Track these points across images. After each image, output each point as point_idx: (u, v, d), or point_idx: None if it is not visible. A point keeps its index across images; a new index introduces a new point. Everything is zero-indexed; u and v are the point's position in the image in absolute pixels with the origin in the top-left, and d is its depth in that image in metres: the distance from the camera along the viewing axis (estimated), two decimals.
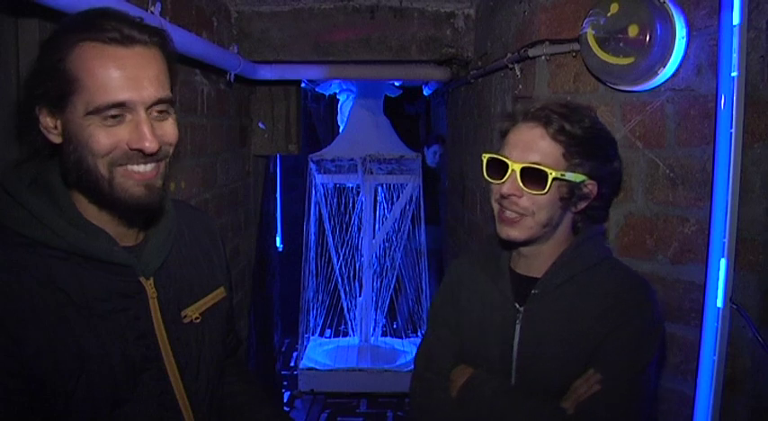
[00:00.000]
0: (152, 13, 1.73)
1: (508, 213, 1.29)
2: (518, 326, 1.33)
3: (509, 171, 1.26)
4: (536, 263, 1.35)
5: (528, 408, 1.26)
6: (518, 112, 1.32)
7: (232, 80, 2.60)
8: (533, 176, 1.25)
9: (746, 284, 1.40)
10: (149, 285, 1.05)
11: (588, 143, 1.28)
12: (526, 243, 1.32)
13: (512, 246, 1.36)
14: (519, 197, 1.27)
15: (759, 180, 1.37)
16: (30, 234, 0.95)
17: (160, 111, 0.97)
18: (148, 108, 0.95)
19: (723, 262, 1.39)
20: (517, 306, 1.34)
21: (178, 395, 1.07)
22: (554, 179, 1.24)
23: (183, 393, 1.07)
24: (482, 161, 1.32)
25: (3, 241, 0.95)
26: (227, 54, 2.49)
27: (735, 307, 1.39)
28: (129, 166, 0.96)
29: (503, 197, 1.28)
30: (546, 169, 1.24)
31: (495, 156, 1.29)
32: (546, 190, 1.25)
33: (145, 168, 0.97)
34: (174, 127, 1.00)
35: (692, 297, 1.53)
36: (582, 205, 1.32)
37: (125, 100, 0.92)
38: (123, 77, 0.92)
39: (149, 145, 0.94)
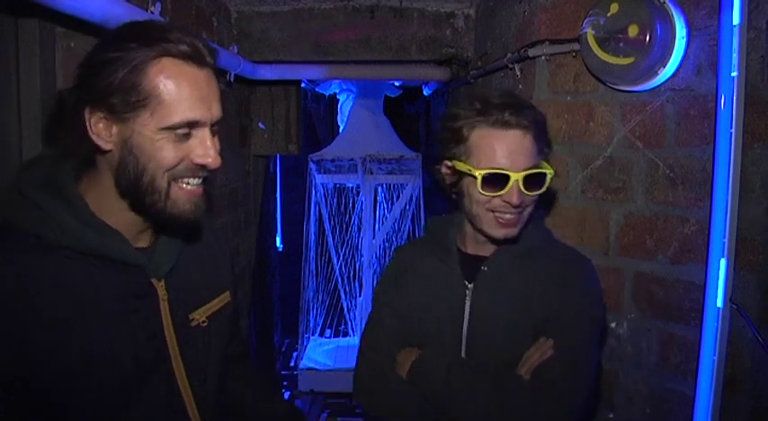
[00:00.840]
0: (152, 13, 1.73)
1: (508, 216, 1.31)
2: (468, 302, 1.38)
3: (510, 182, 1.27)
4: (486, 243, 1.40)
5: (484, 379, 1.30)
6: (489, 117, 1.29)
7: (232, 80, 2.60)
8: (533, 180, 1.29)
9: (746, 284, 1.40)
10: (161, 287, 1.06)
11: (546, 131, 1.35)
12: (518, 239, 1.37)
13: (499, 242, 1.38)
14: (522, 202, 1.30)
15: (759, 180, 1.37)
16: (44, 235, 0.95)
17: (214, 128, 1.01)
18: (212, 126, 0.99)
19: (723, 262, 1.39)
20: (467, 283, 1.39)
21: (185, 397, 1.07)
22: (551, 178, 1.31)
23: (190, 395, 1.08)
24: (476, 178, 1.29)
25: (18, 243, 0.95)
26: (227, 54, 2.49)
27: (735, 307, 1.39)
28: (185, 180, 0.99)
29: (512, 206, 1.28)
30: (545, 171, 1.30)
31: (493, 170, 1.28)
32: (545, 188, 1.31)
33: (197, 182, 1.00)
34: (218, 143, 1.03)
35: (692, 297, 1.53)
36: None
37: (199, 119, 0.96)
38: (198, 97, 0.96)
39: (213, 161, 0.98)
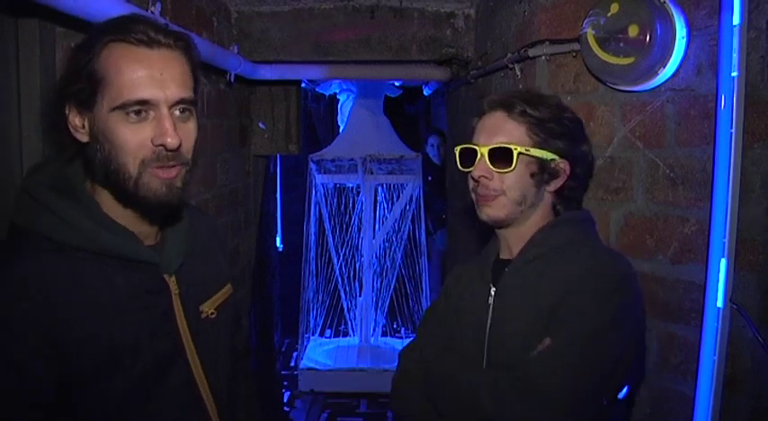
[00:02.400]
0: (152, 12, 1.73)
1: (479, 191, 1.34)
2: (490, 306, 1.37)
3: (478, 155, 1.32)
4: (515, 245, 1.38)
5: (470, 376, 1.29)
6: (484, 105, 1.38)
7: (232, 80, 2.60)
8: (500, 156, 1.31)
9: (746, 284, 1.40)
10: (172, 282, 1.08)
11: (552, 122, 1.33)
12: (507, 223, 1.36)
13: (497, 228, 1.39)
14: (489, 179, 1.32)
15: (759, 180, 1.37)
16: (59, 237, 0.97)
17: (182, 111, 1.00)
18: (171, 107, 0.98)
19: (723, 262, 1.39)
20: (491, 286, 1.38)
21: (201, 386, 1.10)
22: (519, 154, 1.29)
23: (205, 384, 1.11)
24: (455, 154, 1.38)
25: (33, 247, 0.96)
26: (227, 54, 2.49)
27: (735, 307, 1.39)
28: (157, 168, 0.98)
29: (475, 181, 1.33)
30: (510, 146, 1.30)
31: (465, 145, 1.36)
32: (513, 166, 1.29)
33: (169, 171, 1.00)
34: (194, 128, 1.03)
35: (692, 297, 1.53)
36: (556, 184, 1.35)
37: (149, 98, 0.96)
38: (148, 76, 0.96)
39: (171, 140, 0.96)
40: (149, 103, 0.96)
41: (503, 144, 1.30)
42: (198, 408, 1.10)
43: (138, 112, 0.96)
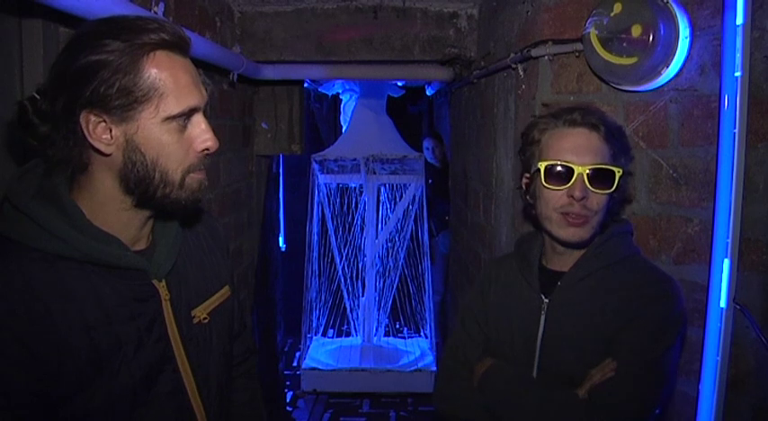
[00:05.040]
0: (155, 13, 1.73)
1: (574, 214, 1.31)
2: (542, 317, 1.38)
3: (575, 175, 1.29)
4: (569, 258, 1.39)
5: (540, 394, 1.31)
6: (559, 119, 1.34)
7: (235, 80, 2.60)
8: (601, 177, 1.29)
9: (750, 284, 1.40)
10: (162, 287, 1.05)
11: (623, 140, 1.36)
12: (587, 243, 1.35)
13: (570, 245, 1.37)
14: (587, 199, 1.29)
15: (762, 180, 1.37)
16: (42, 247, 0.94)
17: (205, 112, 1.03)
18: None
19: (726, 262, 1.39)
20: (543, 297, 1.39)
21: (191, 394, 1.08)
22: (620, 177, 1.30)
23: (195, 392, 1.09)
24: (539, 170, 1.32)
25: (17, 257, 0.94)
26: (230, 54, 2.49)
27: (738, 307, 1.39)
28: (196, 171, 1.01)
29: (575, 199, 1.29)
30: (613, 168, 1.30)
31: (557, 162, 1.31)
32: (614, 188, 1.30)
33: (203, 171, 1.03)
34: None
35: (696, 297, 1.53)
36: (619, 200, 1.37)
37: (197, 104, 0.98)
38: (192, 84, 0.98)
39: (213, 143, 1.00)
40: (195, 109, 0.98)
41: (605, 165, 1.29)
42: (186, 415, 1.08)
43: (185, 120, 0.97)
